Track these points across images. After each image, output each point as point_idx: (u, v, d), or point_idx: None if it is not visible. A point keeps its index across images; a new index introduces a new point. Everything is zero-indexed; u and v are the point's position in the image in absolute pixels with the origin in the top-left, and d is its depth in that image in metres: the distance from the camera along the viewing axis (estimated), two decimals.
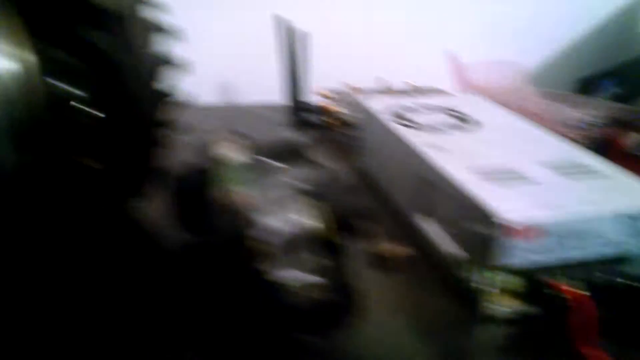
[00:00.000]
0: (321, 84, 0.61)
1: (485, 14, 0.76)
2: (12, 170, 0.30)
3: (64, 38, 0.30)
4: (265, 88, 0.64)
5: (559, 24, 0.79)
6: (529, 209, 0.29)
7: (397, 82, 0.68)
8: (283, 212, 0.29)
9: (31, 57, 0.29)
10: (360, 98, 0.50)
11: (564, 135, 0.60)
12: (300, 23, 0.59)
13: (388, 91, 0.61)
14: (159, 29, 0.33)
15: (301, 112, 0.58)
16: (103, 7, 0.28)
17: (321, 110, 0.59)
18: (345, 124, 0.57)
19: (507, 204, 0.29)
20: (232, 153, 0.32)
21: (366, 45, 0.69)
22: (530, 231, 0.28)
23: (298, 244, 0.29)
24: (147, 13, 0.33)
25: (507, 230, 0.27)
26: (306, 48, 0.55)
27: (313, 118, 0.59)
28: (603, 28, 0.80)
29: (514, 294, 0.29)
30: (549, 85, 0.74)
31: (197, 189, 0.34)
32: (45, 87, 0.29)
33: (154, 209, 0.37)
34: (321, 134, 0.58)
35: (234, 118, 0.62)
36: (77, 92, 0.30)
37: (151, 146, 0.34)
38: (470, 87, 0.66)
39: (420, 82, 0.67)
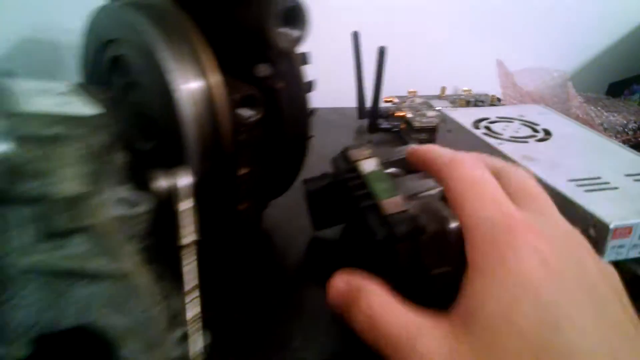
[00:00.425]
0: (388, 91, 0.67)
1: (527, 25, 0.82)
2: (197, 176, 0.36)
3: (242, 70, 0.36)
4: (337, 94, 0.70)
5: (592, 32, 0.85)
6: (622, 213, 0.36)
7: (454, 88, 0.75)
8: (427, 214, 0.35)
9: (218, 81, 0.35)
10: (440, 106, 0.57)
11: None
12: (370, 35, 0.65)
13: (452, 100, 0.68)
14: (305, 60, 0.39)
15: (373, 117, 0.65)
16: (279, 48, 0.34)
17: (390, 116, 0.65)
18: (413, 128, 0.63)
19: (607, 210, 0.35)
20: (369, 164, 0.38)
21: (426, 55, 0.75)
22: (625, 232, 0.35)
23: (441, 240, 0.35)
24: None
25: (612, 232, 0.34)
26: (383, 61, 0.61)
27: (384, 123, 0.65)
28: (635, 34, 0.87)
29: None
30: (584, 89, 0.81)
31: (333, 194, 0.40)
32: (228, 107, 0.35)
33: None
34: (392, 137, 0.64)
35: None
36: (252, 114, 0.36)
37: (301, 157, 0.40)
38: (518, 93, 0.73)
39: (474, 89, 0.74)
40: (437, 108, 0.64)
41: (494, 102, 0.69)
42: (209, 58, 0.34)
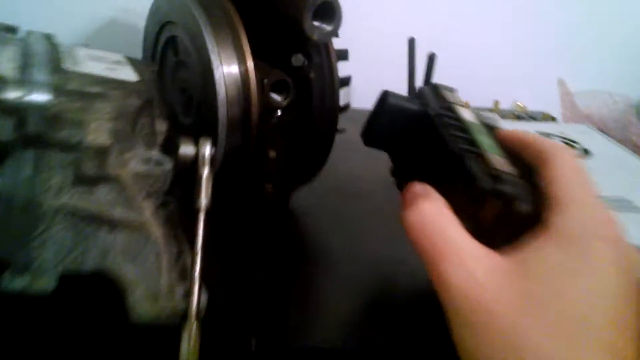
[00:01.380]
0: None
1: (598, 44, 0.79)
2: (223, 149, 0.39)
3: (280, 58, 0.39)
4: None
5: None
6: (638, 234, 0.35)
7: (508, 104, 0.74)
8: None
9: (252, 66, 0.38)
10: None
11: None
12: (425, 42, 0.66)
13: (503, 114, 0.68)
14: (344, 56, 0.41)
15: None
16: (312, 40, 0.37)
17: None
18: None
19: (628, 232, 0.35)
20: (468, 113, 0.34)
21: (483, 67, 0.75)
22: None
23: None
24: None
25: None
26: (433, 67, 0.61)
27: None
28: None
29: None
30: None
31: (410, 120, 0.34)
32: (259, 90, 0.38)
33: None
34: None
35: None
36: (280, 99, 0.39)
37: (327, 147, 0.42)
38: (577, 114, 0.71)
39: (529, 105, 0.73)
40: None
41: (546, 120, 0.68)
42: (246, 45, 0.37)
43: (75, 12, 0.67)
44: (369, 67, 0.72)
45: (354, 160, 0.54)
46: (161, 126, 0.37)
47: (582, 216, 0.25)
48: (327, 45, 0.40)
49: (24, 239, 0.30)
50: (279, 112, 0.40)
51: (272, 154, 0.41)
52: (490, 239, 0.26)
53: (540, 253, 0.24)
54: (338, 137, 0.43)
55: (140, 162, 0.31)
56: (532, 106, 0.73)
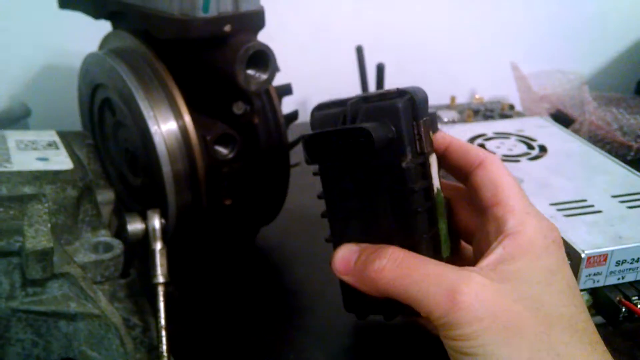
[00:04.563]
0: None
1: (544, 25, 0.80)
2: (174, 207, 0.38)
3: (221, 108, 0.38)
4: None
5: (615, 28, 0.82)
6: (598, 241, 0.35)
7: (466, 97, 0.74)
8: None
9: (191, 123, 0.37)
10: (447, 117, 0.57)
11: (623, 144, 0.64)
12: (374, 43, 0.65)
13: (460, 110, 0.67)
14: (287, 91, 0.41)
15: None
16: (248, 90, 0.36)
17: None
18: None
19: (582, 237, 0.35)
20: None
21: (436, 64, 0.75)
22: (600, 259, 0.35)
23: None
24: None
25: (585, 261, 0.34)
26: (382, 76, 0.61)
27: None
28: None
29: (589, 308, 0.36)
30: (609, 88, 0.78)
31: None
32: (201, 145, 0.37)
33: None
34: None
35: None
36: (226, 151, 0.38)
37: (283, 186, 0.42)
38: (533, 97, 0.71)
39: (487, 94, 0.73)
40: (444, 120, 0.64)
41: (505, 110, 0.68)
42: (182, 101, 0.36)
43: (11, 60, 0.65)
44: (322, 77, 0.71)
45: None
46: (108, 196, 0.36)
47: (539, 225, 0.28)
48: (260, 92, 0.39)
49: None
50: (226, 163, 0.39)
51: (227, 202, 0.40)
52: None
53: (518, 264, 0.27)
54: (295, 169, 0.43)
55: (88, 250, 0.30)
56: (491, 95, 0.73)
